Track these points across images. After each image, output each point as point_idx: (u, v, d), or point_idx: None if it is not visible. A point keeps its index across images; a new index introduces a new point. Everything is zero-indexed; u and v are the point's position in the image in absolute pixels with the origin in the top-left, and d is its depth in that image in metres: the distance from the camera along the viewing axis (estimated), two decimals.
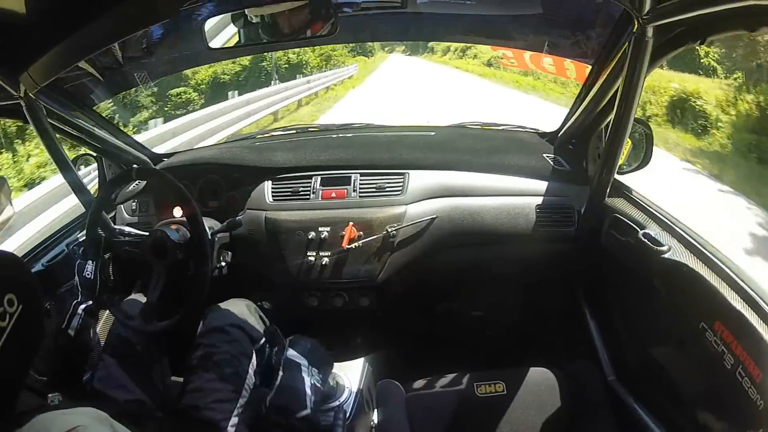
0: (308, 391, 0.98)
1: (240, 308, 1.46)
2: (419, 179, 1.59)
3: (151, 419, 0.89)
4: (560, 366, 1.45)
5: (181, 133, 6.78)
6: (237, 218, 1.54)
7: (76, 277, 1.23)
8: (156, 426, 0.83)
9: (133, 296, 1.45)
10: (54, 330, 1.15)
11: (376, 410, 1.42)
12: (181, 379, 1.14)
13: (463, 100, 11.36)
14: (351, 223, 1.51)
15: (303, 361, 1.02)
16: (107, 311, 1.63)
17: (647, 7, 1.04)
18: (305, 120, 9.82)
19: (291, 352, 1.03)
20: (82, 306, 1.19)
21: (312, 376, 1.01)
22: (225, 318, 1.06)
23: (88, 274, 1.24)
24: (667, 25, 1.07)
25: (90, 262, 1.25)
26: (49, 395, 0.76)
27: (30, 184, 6.83)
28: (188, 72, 15.91)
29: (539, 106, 10.54)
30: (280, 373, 1.01)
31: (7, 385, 0.61)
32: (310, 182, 1.63)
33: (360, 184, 1.61)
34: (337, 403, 1.42)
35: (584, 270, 1.62)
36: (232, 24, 1.45)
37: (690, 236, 1.20)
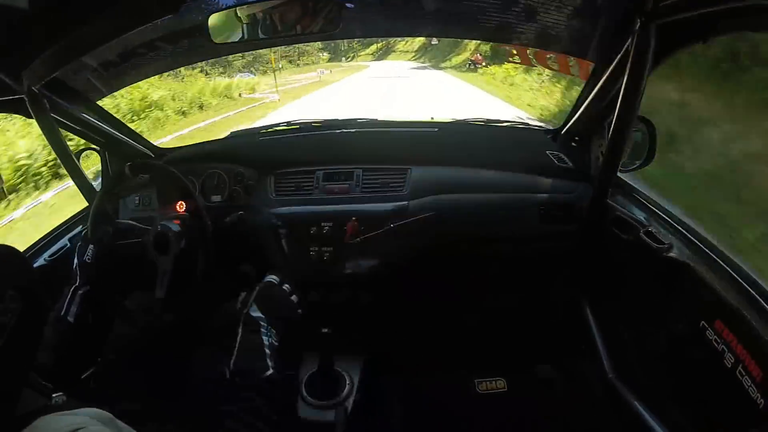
0: (267, 351, 0.96)
1: None
2: (421, 175, 1.60)
3: (155, 417, 0.89)
4: (561, 363, 1.45)
5: None
6: (240, 213, 1.55)
7: (76, 260, 1.22)
8: (160, 424, 0.83)
9: (135, 293, 1.45)
10: (53, 317, 1.14)
11: (376, 406, 1.43)
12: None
13: None
14: (353, 218, 1.52)
15: (263, 321, 0.99)
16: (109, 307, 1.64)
17: (650, 5, 1.03)
18: None
19: (254, 311, 1.00)
20: (80, 291, 1.18)
21: (270, 336, 0.98)
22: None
23: (88, 259, 1.22)
24: (670, 24, 1.06)
25: (91, 246, 1.24)
26: (53, 395, 0.75)
27: None
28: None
29: None
30: (240, 332, 0.99)
31: (10, 382, 0.61)
32: (313, 177, 1.64)
33: (363, 179, 1.61)
34: (337, 399, 1.43)
35: (585, 267, 1.62)
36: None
37: (691, 235, 1.20)
